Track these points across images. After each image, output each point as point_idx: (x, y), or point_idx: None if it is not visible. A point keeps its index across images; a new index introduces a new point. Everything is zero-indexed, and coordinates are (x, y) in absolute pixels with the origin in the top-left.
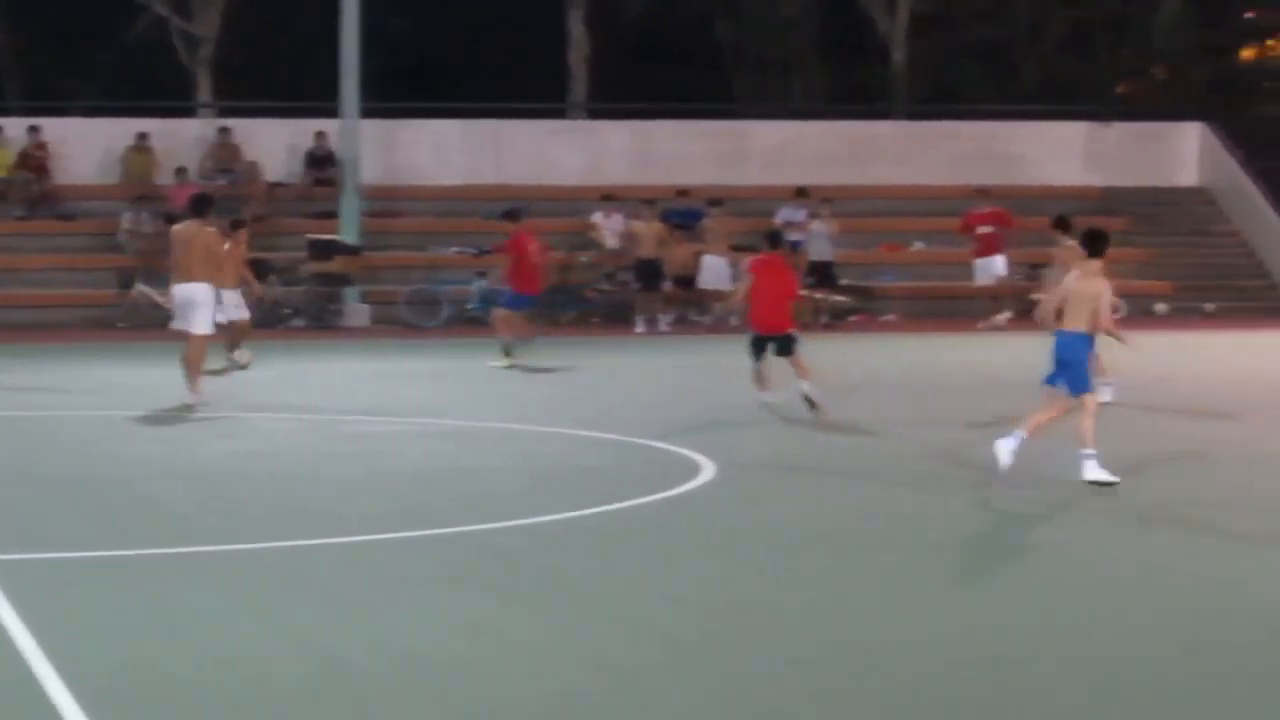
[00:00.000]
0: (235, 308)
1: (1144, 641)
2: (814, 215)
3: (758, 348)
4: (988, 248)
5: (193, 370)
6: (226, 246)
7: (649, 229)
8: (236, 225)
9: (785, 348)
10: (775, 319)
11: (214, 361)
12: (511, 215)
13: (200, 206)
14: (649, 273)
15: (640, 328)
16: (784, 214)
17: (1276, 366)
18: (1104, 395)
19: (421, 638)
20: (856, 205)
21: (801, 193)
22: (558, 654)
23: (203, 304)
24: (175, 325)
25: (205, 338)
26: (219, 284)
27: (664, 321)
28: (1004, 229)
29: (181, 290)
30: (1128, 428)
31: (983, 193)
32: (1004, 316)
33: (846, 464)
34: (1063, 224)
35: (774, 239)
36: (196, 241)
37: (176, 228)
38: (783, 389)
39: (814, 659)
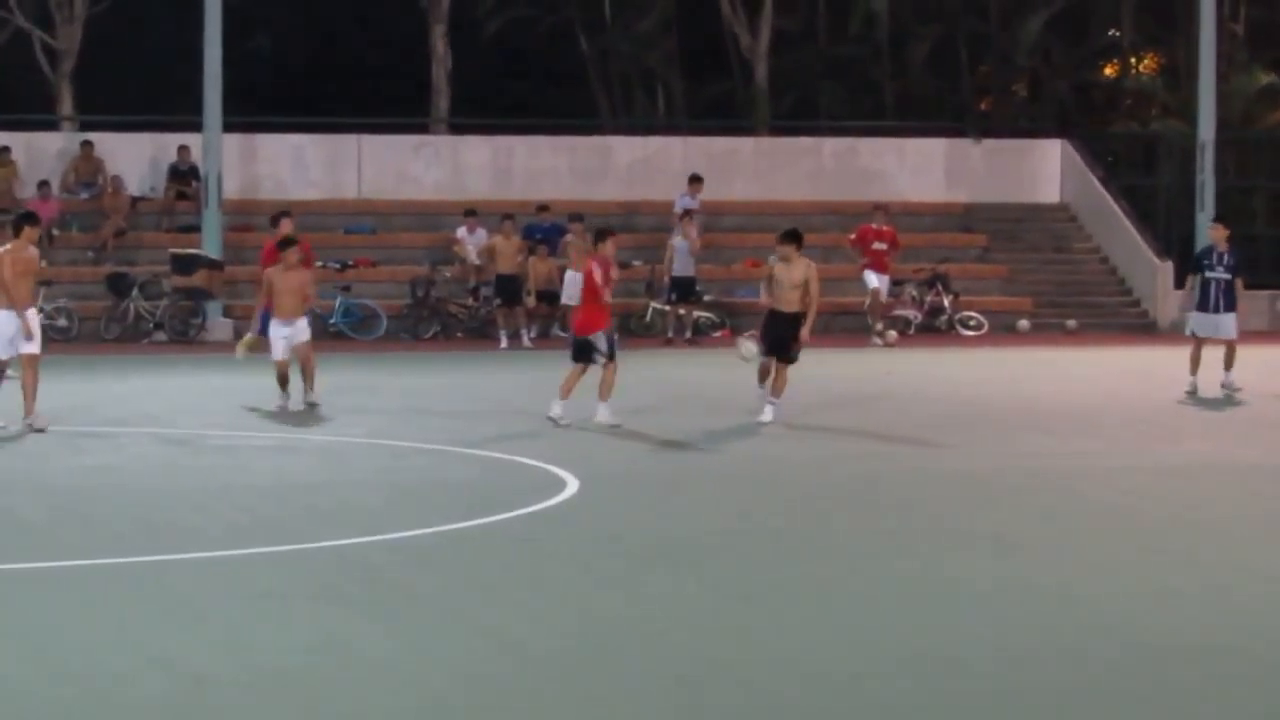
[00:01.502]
0: (300, 332)
1: (994, 656)
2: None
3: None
4: (879, 264)
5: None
6: (273, 268)
7: (508, 244)
8: (287, 243)
9: None
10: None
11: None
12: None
13: (15, 225)
14: (509, 288)
15: (503, 343)
16: (682, 203)
17: (1105, 384)
18: (765, 415)
19: (281, 652)
20: (718, 221)
21: (696, 179)
22: (418, 669)
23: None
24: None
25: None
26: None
27: (527, 336)
28: (894, 250)
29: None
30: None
31: (881, 208)
32: (893, 334)
33: (710, 479)
34: (794, 236)
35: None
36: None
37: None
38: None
39: (673, 674)
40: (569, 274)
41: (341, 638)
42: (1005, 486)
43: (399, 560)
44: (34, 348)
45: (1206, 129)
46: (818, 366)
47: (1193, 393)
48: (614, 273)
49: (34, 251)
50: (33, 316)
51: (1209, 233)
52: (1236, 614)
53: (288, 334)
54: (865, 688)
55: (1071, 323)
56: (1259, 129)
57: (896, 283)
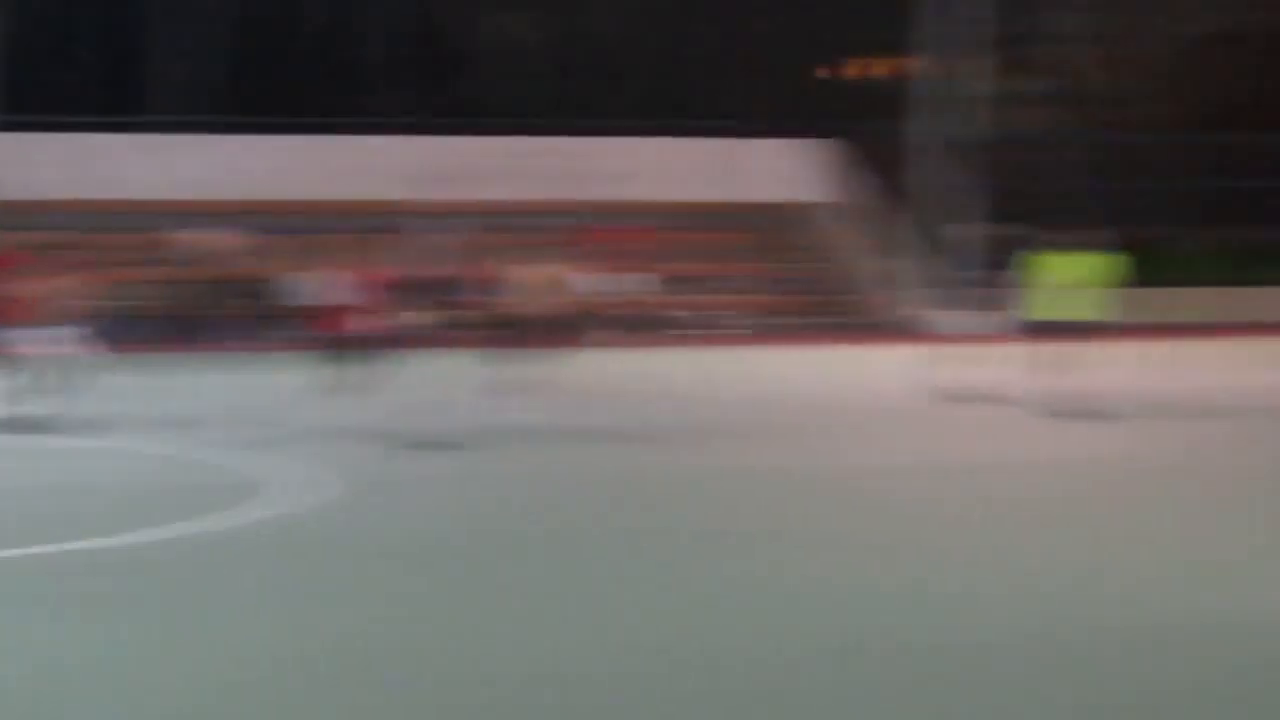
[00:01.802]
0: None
1: (722, 656)
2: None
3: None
4: (616, 264)
5: None
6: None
7: (234, 244)
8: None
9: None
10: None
11: None
12: None
13: None
14: (240, 290)
15: (236, 345)
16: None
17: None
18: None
19: None
20: (462, 221)
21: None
22: (133, 680)
23: None
24: None
25: None
26: None
27: (265, 337)
28: (626, 248)
29: None
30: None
31: (606, 210)
32: (612, 334)
33: (452, 480)
34: (548, 239)
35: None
36: None
37: None
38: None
39: (417, 678)
40: (301, 276)
41: (53, 648)
42: (727, 485)
43: (122, 567)
44: None
45: (963, 130)
46: (564, 367)
47: (940, 390)
48: (374, 279)
49: None
50: None
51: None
52: (936, 611)
53: (42, 339)
54: (618, 687)
55: (816, 320)
56: (1010, 130)
57: (638, 283)
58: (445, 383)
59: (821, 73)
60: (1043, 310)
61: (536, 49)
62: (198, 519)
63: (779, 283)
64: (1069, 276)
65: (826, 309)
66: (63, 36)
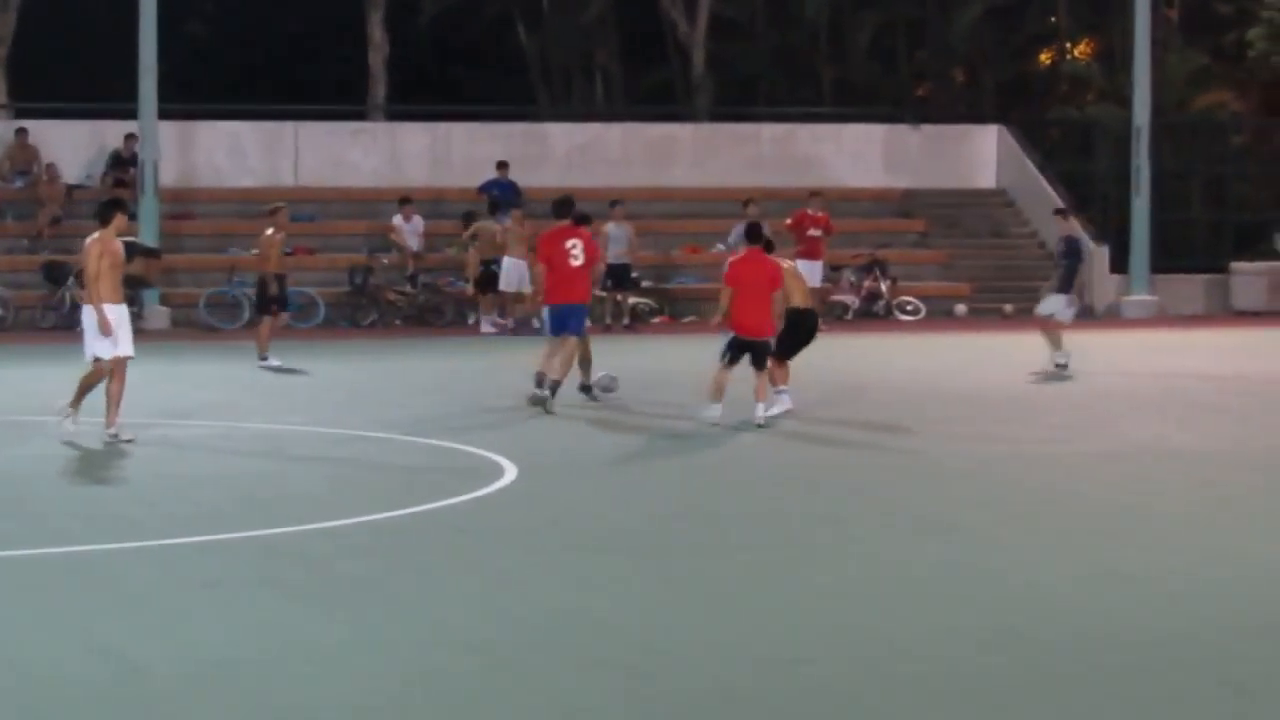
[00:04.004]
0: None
1: (937, 640)
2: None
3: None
4: (814, 251)
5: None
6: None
7: (492, 228)
8: (115, 206)
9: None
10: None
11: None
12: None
13: (103, 212)
14: (492, 274)
15: (488, 328)
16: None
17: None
18: (784, 403)
19: (221, 642)
20: (655, 207)
21: (816, 194)
22: (360, 658)
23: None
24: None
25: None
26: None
27: (504, 320)
28: (827, 235)
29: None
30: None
31: (816, 194)
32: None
33: (647, 465)
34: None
35: (753, 233)
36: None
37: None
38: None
39: (618, 660)
40: (506, 260)
41: (283, 627)
42: (950, 471)
43: (340, 548)
44: (126, 350)
45: (1141, 113)
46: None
47: None
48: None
49: (119, 244)
50: (121, 314)
51: None
52: (1176, 599)
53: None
54: (811, 671)
55: (1009, 307)
56: (1193, 113)
57: (835, 268)
58: (630, 367)
59: (1007, 60)
60: None
61: (734, 36)
62: (406, 500)
63: (970, 268)
64: None
65: (1020, 294)
66: None
